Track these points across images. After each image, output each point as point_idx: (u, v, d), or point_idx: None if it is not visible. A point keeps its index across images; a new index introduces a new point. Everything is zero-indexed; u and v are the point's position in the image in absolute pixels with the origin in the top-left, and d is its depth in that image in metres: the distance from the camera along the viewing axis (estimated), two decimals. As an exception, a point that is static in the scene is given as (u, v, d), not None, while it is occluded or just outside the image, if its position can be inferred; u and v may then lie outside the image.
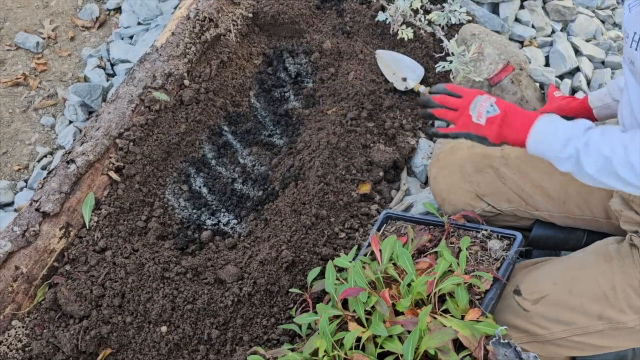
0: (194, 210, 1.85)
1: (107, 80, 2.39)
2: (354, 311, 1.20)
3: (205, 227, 1.79)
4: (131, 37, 2.61)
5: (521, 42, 2.34)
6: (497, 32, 2.29)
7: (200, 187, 1.91)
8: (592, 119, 1.51)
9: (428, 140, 2.01)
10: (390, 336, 1.13)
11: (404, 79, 2.07)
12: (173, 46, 2.02)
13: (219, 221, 1.82)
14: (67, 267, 1.62)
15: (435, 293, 1.20)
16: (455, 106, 1.26)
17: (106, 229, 1.68)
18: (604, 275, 1.22)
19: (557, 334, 1.24)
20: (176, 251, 1.67)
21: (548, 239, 1.50)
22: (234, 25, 2.20)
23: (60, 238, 1.65)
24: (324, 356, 1.13)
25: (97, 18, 2.75)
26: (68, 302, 1.53)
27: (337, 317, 1.22)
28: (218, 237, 1.75)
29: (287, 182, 1.82)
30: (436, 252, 1.34)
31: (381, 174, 1.86)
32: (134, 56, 2.40)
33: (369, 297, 1.19)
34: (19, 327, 1.52)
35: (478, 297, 1.24)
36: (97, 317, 1.52)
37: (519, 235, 1.36)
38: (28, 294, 1.57)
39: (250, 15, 2.26)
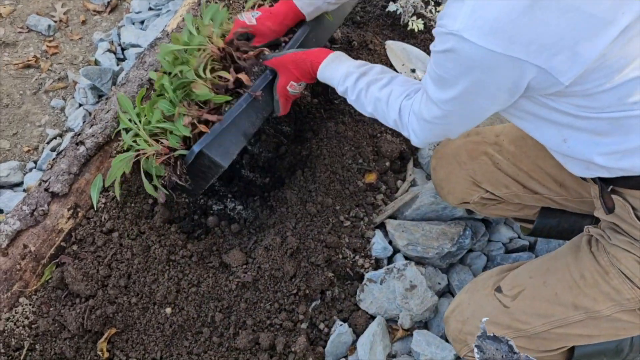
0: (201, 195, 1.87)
1: (118, 65, 2.40)
2: None
3: (211, 212, 1.81)
4: (142, 22, 2.62)
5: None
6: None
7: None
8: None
9: (435, 132, 2.01)
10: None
11: (413, 70, 2.07)
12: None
13: (225, 206, 1.84)
14: (75, 247, 1.64)
15: None
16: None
17: (113, 211, 1.69)
18: (574, 264, 1.22)
19: (538, 328, 1.24)
20: (182, 235, 1.68)
21: (552, 228, 1.50)
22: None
23: (69, 218, 1.66)
24: None
25: (108, 2, 2.76)
26: (75, 281, 1.55)
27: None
28: (224, 222, 1.77)
29: (293, 169, 1.82)
30: None
31: (388, 164, 1.86)
32: (144, 41, 2.41)
33: None
34: (26, 305, 1.54)
35: None
36: (102, 297, 1.54)
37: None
38: (35, 273, 1.59)
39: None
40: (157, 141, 1.58)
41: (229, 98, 1.55)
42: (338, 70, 1.41)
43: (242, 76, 1.54)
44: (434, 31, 1.04)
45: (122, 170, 1.60)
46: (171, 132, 1.58)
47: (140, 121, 1.61)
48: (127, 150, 1.63)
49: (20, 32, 2.57)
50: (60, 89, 2.36)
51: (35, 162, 2.05)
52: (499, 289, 1.33)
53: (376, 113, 1.37)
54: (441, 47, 1.01)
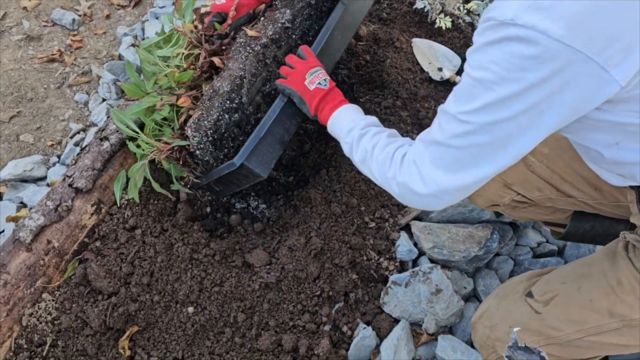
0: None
1: (141, 60, 2.39)
2: None
3: (234, 210, 1.79)
4: (166, 17, 2.61)
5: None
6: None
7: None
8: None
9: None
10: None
11: (440, 69, 2.03)
12: (208, 27, 2.00)
13: (249, 205, 1.82)
14: (98, 244, 1.63)
15: None
16: (295, 65, 1.44)
17: (136, 208, 1.68)
18: (611, 270, 1.17)
19: (571, 335, 1.19)
20: (205, 233, 1.66)
21: (585, 233, 1.46)
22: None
23: (92, 214, 1.66)
24: None
25: (132, -3, 2.76)
26: (97, 278, 1.55)
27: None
28: (247, 220, 1.75)
29: (318, 168, 1.80)
30: None
31: (414, 164, 1.83)
32: (168, 36, 2.39)
33: None
34: (49, 301, 1.54)
35: None
36: (125, 295, 1.53)
37: None
38: (59, 268, 1.58)
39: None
40: (159, 141, 1.59)
41: (192, 72, 1.57)
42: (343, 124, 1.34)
43: (215, 59, 1.53)
44: (481, 23, 0.86)
45: (141, 179, 1.61)
46: (170, 127, 1.60)
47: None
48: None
49: (44, 26, 2.57)
50: (84, 84, 2.36)
51: (58, 157, 2.05)
52: (529, 294, 1.29)
53: (362, 165, 1.23)
54: (493, 36, 0.83)
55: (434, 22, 2.09)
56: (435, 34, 2.10)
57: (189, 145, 1.53)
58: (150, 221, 1.67)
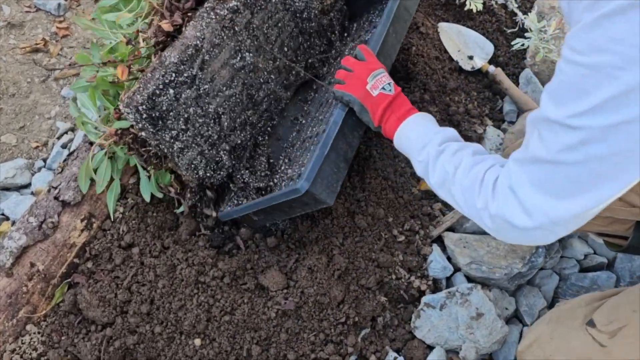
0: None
1: (134, 49, 2.16)
2: None
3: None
4: None
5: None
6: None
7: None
8: None
9: (496, 129, 1.76)
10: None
11: (471, 57, 1.81)
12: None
13: (260, 216, 1.61)
14: (89, 265, 1.43)
15: None
16: (354, 68, 1.23)
17: (133, 222, 1.48)
18: None
19: None
20: (211, 250, 1.46)
21: None
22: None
23: (82, 231, 1.45)
24: None
25: (123, -22, 2.51)
26: (90, 306, 1.35)
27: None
28: (258, 234, 1.54)
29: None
30: None
31: (445, 167, 1.62)
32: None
33: None
34: (34, 333, 1.34)
35: None
36: (122, 326, 1.33)
37: None
38: (45, 295, 1.38)
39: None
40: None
41: (131, 48, 1.32)
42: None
43: (164, 24, 1.27)
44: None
45: (107, 177, 1.40)
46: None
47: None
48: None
49: (27, 12, 2.33)
50: (71, 77, 2.13)
51: (44, 160, 1.83)
52: (591, 323, 1.12)
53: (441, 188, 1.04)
54: (612, 6, 0.64)
55: (463, 4, 1.87)
56: (465, 18, 1.87)
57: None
58: (148, 237, 1.46)
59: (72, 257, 1.43)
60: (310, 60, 1.57)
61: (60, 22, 2.32)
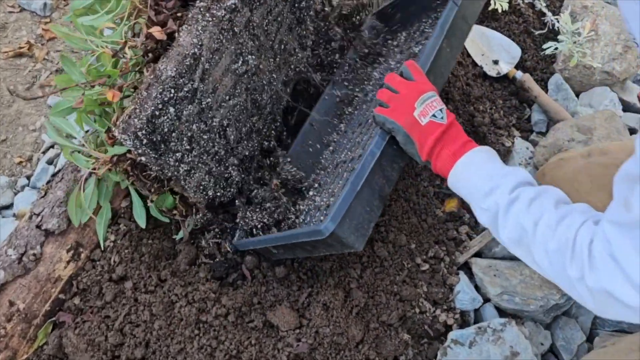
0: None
1: (127, 52, 1.99)
2: None
3: (249, 249, 1.42)
4: None
5: None
6: (608, 2, 1.84)
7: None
8: None
9: (524, 140, 1.61)
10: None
11: (496, 62, 1.65)
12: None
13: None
14: (76, 300, 1.27)
15: None
16: (399, 89, 1.04)
17: (126, 251, 1.32)
18: None
19: None
20: (214, 283, 1.30)
21: None
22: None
23: (68, 262, 1.29)
24: None
25: (114, -24, 2.33)
26: (76, 351, 1.19)
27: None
28: (265, 262, 1.38)
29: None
30: None
31: (471, 185, 1.46)
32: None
33: None
34: (15, 383, 1.18)
35: None
36: (113, 373, 1.18)
37: None
38: (26, 337, 1.23)
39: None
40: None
41: (116, 60, 1.15)
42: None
43: (155, 31, 1.09)
44: None
45: (93, 198, 1.23)
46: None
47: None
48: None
49: (10, 12, 2.16)
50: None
51: (28, 178, 1.67)
52: None
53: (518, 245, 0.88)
54: None
55: (487, 4, 1.71)
56: (489, 18, 1.71)
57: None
58: (143, 269, 1.31)
59: (57, 293, 1.27)
60: (326, 60, 1.43)
61: (46, 23, 2.16)
